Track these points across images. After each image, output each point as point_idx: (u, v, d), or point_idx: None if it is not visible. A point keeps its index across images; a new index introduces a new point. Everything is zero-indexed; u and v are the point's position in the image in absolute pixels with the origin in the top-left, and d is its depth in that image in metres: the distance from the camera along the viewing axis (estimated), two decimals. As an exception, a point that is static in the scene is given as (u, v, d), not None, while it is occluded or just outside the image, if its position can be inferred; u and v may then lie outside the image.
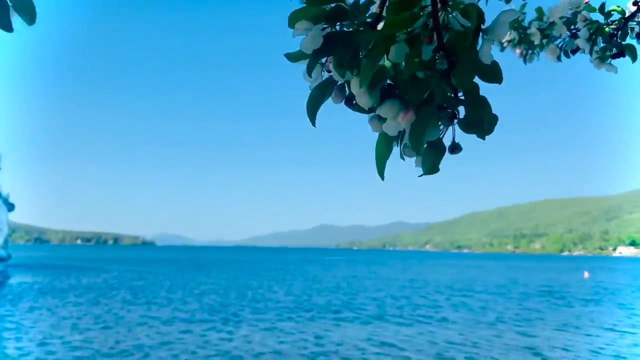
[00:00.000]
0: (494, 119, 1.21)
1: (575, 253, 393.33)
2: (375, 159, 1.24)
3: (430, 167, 1.18)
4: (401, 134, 1.19)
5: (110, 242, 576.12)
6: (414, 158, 1.21)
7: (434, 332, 20.31)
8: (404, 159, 1.25)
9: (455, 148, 1.17)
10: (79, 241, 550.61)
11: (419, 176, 1.23)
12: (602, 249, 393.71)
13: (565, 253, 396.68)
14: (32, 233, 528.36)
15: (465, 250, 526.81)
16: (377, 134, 1.23)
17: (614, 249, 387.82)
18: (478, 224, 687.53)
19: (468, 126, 1.14)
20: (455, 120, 1.19)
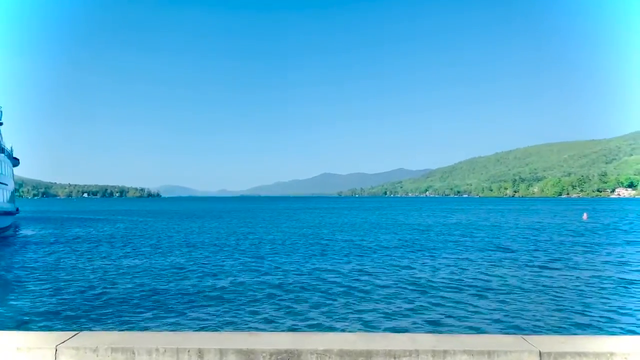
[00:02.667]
0: None
1: (574, 196, 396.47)
2: None
3: None
4: None
5: (117, 194, 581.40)
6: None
7: (408, 271, 23.44)
8: None
9: None
10: (85, 195, 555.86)
11: None
12: (600, 191, 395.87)
13: (564, 196, 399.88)
14: (39, 187, 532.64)
15: (465, 195, 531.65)
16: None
17: (612, 191, 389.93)
18: (478, 169, 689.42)
19: None
20: None
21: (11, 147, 52.30)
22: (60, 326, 12.27)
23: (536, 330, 11.68)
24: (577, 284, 17.96)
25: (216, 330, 11.59)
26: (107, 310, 13.93)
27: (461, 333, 11.16)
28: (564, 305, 14.31)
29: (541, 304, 14.59)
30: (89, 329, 11.58)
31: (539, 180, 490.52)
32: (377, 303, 14.76)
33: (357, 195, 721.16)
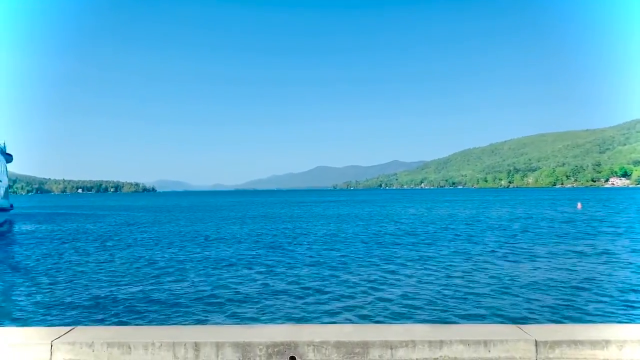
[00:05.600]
0: None
1: (568, 185, 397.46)
2: None
3: None
4: None
5: (112, 190, 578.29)
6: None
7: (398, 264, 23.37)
8: None
9: None
10: (80, 190, 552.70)
11: None
12: (594, 181, 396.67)
13: (558, 186, 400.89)
14: (33, 184, 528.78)
15: (460, 187, 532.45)
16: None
17: (606, 180, 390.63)
18: (472, 160, 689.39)
19: None
20: None
21: (4, 143, 51.95)
22: (55, 321, 12.23)
23: (531, 319, 11.74)
24: (576, 272, 18.05)
25: (212, 324, 11.60)
26: (103, 305, 13.89)
27: (456, 323, 11.21)
28: (559, 295, 14.38)
29: (536, 293, 14.66)
30: (85, 324, 11.55)
31: (533, 170, 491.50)
32: (367, 295, 14.80)
33: (352, 188, 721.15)
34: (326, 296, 14.64)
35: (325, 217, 56.19)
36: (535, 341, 4.48)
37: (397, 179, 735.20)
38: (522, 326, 4.87)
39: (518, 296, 14.23)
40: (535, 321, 11.51)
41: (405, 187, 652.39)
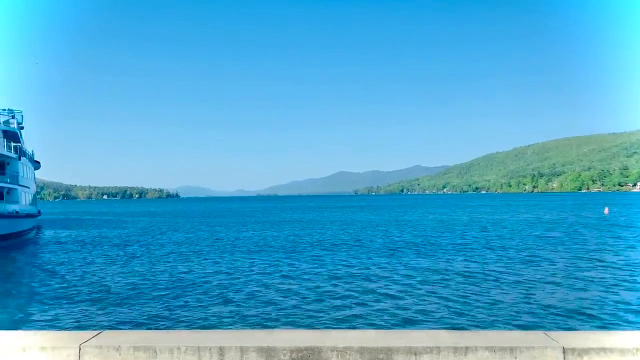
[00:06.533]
0: None
1: (594, 190, 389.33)
2: None
3: None
4: None
5: (136, 196, 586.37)
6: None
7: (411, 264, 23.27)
8: None
9: None
10: (105, 196, 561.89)
11: None
12: (621, 185, 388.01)
13: (584, 190, 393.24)
14: (59, 190, 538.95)
15: (483, 192, 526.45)
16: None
17: (634, 185, 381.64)
18: (495, 165, 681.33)
19: None
20: None
21: (32, 151, 52.92)
22: (83, 326, 12.47)
23: (558, 326, 11.55)
24: (603, 279, 17.70)
25: (236, 328, 11.68)
26: (129, 310, 14.12)
27: (481, 329, 11.09)
28: (586, 301, 14.12)
29: (562, 299, 14.41)
30: (112, 328, 11.74)
31: (558, 175, 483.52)
32: (391, 299, 14.75)
33: (373, 194, 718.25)
34: (349, 301, 14.63)
35: (347, 223, 56.13)
36: (563, 348, 4.40)
37: (419, 184, 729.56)
38: (548, 333, 4.77)
39: (544, 302, 14.01)
40: (563, 328, 11.32)
41: (427, 192, 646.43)
